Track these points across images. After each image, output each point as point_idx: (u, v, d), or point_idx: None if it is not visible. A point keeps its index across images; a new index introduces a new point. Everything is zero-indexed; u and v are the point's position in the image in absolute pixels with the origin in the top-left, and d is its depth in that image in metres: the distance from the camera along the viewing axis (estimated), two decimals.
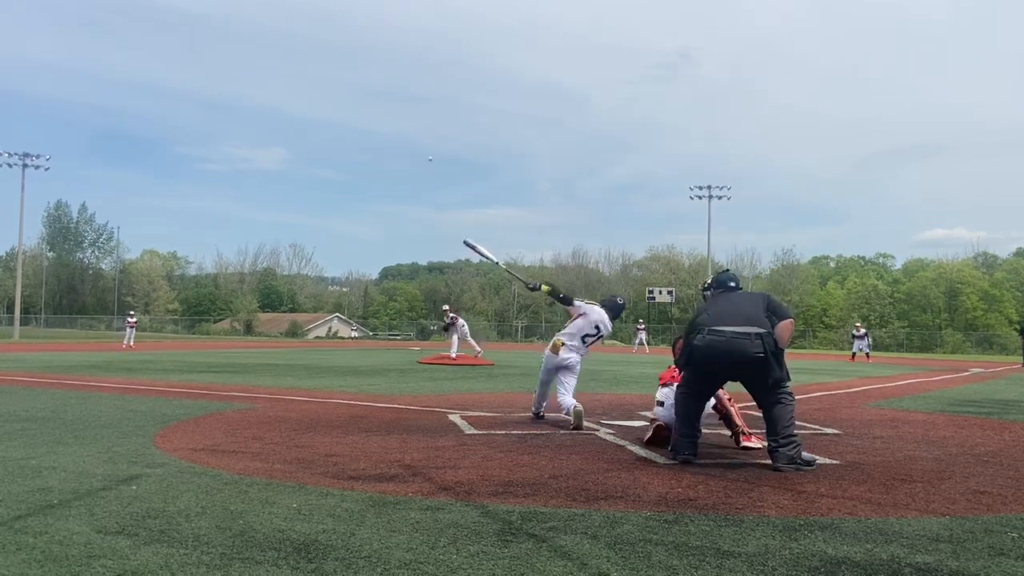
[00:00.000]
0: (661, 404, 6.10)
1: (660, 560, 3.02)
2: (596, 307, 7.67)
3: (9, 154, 49.55)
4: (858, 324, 35.39)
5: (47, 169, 50.73)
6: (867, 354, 30.35)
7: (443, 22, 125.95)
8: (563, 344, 7.54)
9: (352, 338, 63.30)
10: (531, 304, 77.26)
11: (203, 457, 5.14)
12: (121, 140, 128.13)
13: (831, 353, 46.36)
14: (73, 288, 78.63)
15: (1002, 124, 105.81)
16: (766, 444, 5.91)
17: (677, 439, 5.42)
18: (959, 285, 64.92)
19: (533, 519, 3.62)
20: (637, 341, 38.97)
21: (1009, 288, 66.04)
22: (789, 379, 5.39)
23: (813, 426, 7.42)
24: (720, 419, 6.10)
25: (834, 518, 3.77)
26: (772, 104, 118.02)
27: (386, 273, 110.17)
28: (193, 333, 63.83)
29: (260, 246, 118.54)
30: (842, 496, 4.26)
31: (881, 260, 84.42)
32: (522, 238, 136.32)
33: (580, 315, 7.57)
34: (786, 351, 5.44)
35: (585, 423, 6.98)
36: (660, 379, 6.32)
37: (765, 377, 5.23)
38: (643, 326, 39.87)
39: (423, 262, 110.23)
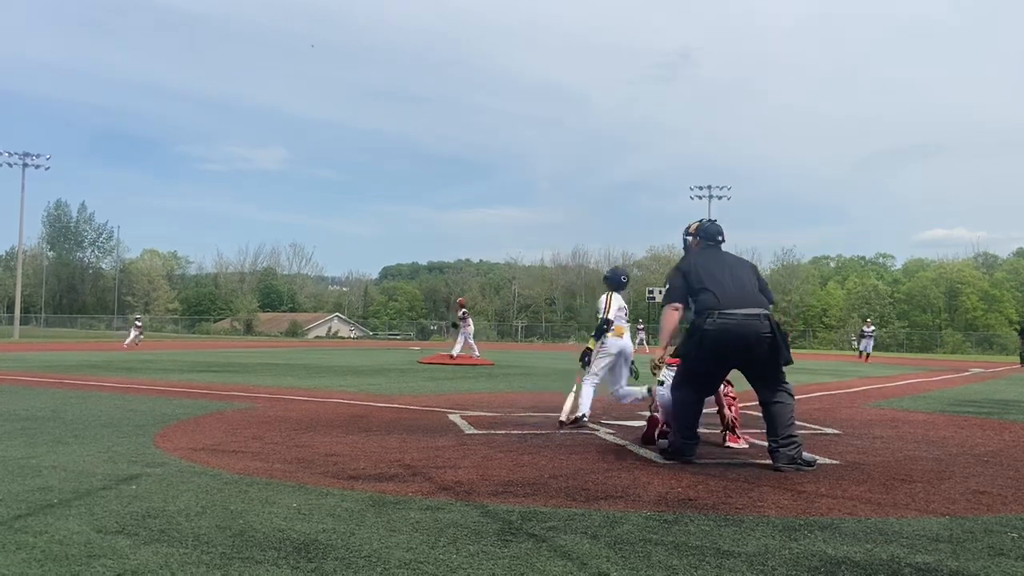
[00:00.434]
0: (662, 384, 5.87)
1: (660, 560, 3.02)
2: (615, 296, 7.28)
3: (9, 154, 49.56)
4: (868, 320, 35.35)
5: (47, 169, 50.74)
6: (861, 352, 30.32)
7: (443, 22, 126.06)
8: (623, 329, 7.17)
9: (345, 337, 63.31)
10: (531, 304, 77.29)
11: (203, 457, 5.14)
12: (121, 140, 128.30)
13: (831, 353, 46.35)
14: (73, 288, 78.64)
15: (1002, 124, 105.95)
16: (748, 445, 5.93)
17: (680, 443, 5.30)
18: (959, 285, 64.92)
19: (533, 519, 3.62)
20: (637, 341, 38.99)
21: (1009, 288, 66.04)
22: (792, 362, 5.38)
23: (813, 426, 7.42)
24: (717, 412, 6.10)
25: (834, 518, 3.77)
26: (772, 104, 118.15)
27: (386, 273, 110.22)
28: (193, 333, 63.84)
29: (260, 246, 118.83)
30: (842, 496, 4.26)
31: (881, 260, 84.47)
32: (522, 238, 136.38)
33: (613, 310, 7.15)
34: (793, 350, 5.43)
35: (585, 423, 6.98)
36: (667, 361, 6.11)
37: (777, 359, 5.19)
38: (643, 326, 39.89)
39: (423, 262, 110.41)
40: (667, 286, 5.56)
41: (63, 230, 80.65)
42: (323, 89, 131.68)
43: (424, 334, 64.71)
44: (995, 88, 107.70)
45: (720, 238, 5.70)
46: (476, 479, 4.54)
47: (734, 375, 5.71)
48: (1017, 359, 28.40)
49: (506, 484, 4.41)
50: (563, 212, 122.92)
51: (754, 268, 5.60)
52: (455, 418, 7.52)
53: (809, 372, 19.42)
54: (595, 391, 7.15)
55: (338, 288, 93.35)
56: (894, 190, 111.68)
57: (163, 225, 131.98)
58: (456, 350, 19.90)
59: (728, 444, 5.90)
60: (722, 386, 5.93)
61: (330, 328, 69.19)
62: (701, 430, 5.59)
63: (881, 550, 3.21)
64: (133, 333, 30.94)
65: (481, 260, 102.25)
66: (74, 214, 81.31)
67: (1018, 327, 31.35)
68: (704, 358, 5.26)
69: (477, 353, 20.78)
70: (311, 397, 9.63)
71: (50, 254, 78.85)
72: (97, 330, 61.03)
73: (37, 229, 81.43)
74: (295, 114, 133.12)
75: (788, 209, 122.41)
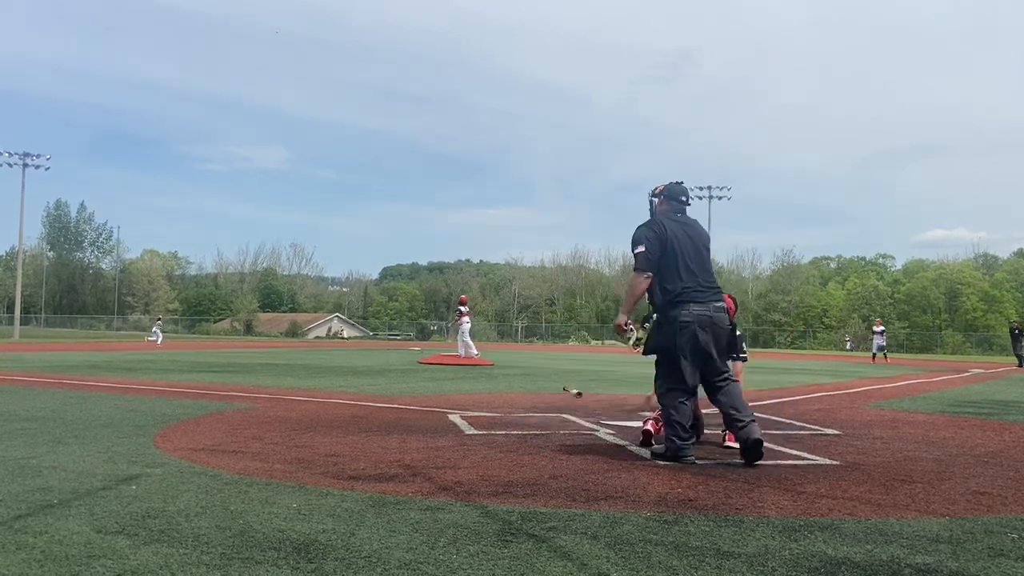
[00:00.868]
0: (640, 341, 5.73)
1: (660, 560, 3.02)
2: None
3: (9, 154, 49.67)
4: (878, 320, 35.29)
5: (47, 169, 50.91)
6: (873, 355, 30.16)
7: (443, 22, 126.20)
8: None
9: (343, 337, 63.26)
10: (531, 304, 77.25)
11: (203, 457, 5.14)
12: (121, 140, 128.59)
13: (831, 354, 46.35)
14: (73, 288, 78.66)
15: (1002, 124, 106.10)
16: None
17: (677, 445, 5.19)
18: (959, 286, 64.95)
19: (533, 519, 3.62)
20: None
21: (1009, 289, 66.08)
22: (746, 359, 5.49)
23: (813, 427, 7.42)
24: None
25: (834, 519, 3.76)
26: (772, 104, 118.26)
27: (386, 273, 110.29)
28: (193, 333, 63.87)
29: (260, 246, 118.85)
30: (842, 497, 4.26)
31: (881, 261, 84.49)
32: (522, 238, 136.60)
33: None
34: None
35: (586, 423, 6.97)
36: None
37: (733, 346, 5.29)
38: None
39: (423, 262, 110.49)
40: (641, 248, 5.30)
41: (63, 230, 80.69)
42: (323, 89, 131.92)
43: (424, 334, 64.72)
44: (995, 88, 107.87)
45: (685, 199, 5.61)
46: (476, 479, 4.54)
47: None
48: (1017, 360, 28.39)
49: (506, 484, 4.41)
50: (563, 212, 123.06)
51: (709, 239, 5.60)
52: (455, 418, 7.52)
53: (809, 373, 19.43)
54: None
55: (338, 288, 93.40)
56: (894, 190, 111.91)
57: (163, 225, 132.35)
58: (461, 351, 19.89)
59: (728, 444, 5.89)
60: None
61: (330, 329, 69.16)
62: (703, 430, 5.59)
63: (881, 551, 3.21)
64: (157, 332, 31.94)
65: (481, 260, 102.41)
66: (74, 214, 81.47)
67: (1012, 326, 31.30)
68: (683, 352, 5.18)
69: (462, 353, 20.32)
70: (311, 397, 9.63)
71: (50, 254, 78.88)
72: (97, 330, 61.02)
73: (37, 229, 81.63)
74: (295, 114, 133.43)
75: (788, 209, 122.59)
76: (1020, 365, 27.48)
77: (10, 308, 63.49)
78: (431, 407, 8.64)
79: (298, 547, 3.10)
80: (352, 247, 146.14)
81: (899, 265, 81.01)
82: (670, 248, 5.26)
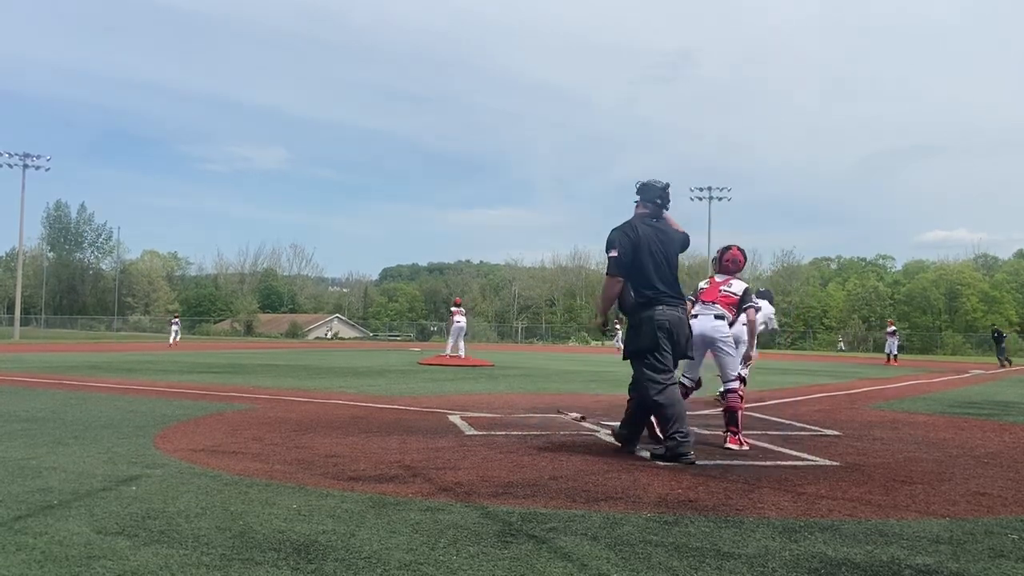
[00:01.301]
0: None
1: (660, 561, 3.02)
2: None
3: (9, 154, 49.67)
4: (890, 320, 35.26)
5: (47, 169, 50.90)
6: (888, 355, 30.14)
7: (443, 22, 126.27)
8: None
9: (346, 338, 63.28)
10: (531, 305, 77.26)
11: (203, 458, 5.13)
12: (121, 140, 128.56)
13: (831, 354, 46.35)
14: (73, 288, 78.65)
15: (1002, 124, 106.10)
16: (749, 447, 5.92)
17: (675, 445, 5.18)
18: (959, 287, 64.91)
19: (533, 520, 3.62)
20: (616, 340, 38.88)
21: (1009, 290, 66.03)
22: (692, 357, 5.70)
23: (813, 427, 7.42)
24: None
25: (834, 519, 3.76)
26: (772, 104, 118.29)
27: (386, 274, 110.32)
28: (193, 333, 63.83)
29: (260, 246, 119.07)
30: (842, 497, 4.26)
31: (881, 261, 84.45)
32: (522, 238, 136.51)
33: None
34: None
35: (586, 423, 6.97)
36: None
37: (685, 353, 5.53)
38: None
39: (423, 262, 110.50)
40: (614, 252, 5.43)
41: (63, 231, 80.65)
42: (323, 89, 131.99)
43: (424, 335, 64.71)
44: (995, 88, 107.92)
45: (661, 201, 5.62)
46: (476, 480, 4.54)
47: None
48: (1019, 360, 28.51)
49: (506, 485, 4.41)
50: (563, 212, 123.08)
51: (684, 243, 5.73)
52: (455, 419, 7.52)
53: (809, 373, 19.43)
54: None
55: (338, 289, 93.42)
56: (894, 191, 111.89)
57: (163, 225, 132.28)
58: (462, 352, 19.85)
59: (728, 446, 5.89)
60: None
61: (329, 329, 69.17)
62: (703, 431, 5.59)
63: (881, 551, 3.21)
64: (175, 331, 32.34)
65: (481, 261, 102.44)
66: (74, 215, 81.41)
67: (993, 331, 31.63)
68: (660, 346, 5.36)
69: (449, 352, 20.05)
70: (311, 398, 9.62)
71: (50, 255, 78.85)
72: (97, 331, 61.02)
73: (37, 230, 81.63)
74: (295, 114, 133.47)
75: (788, 209, 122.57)
76: (1002, 367, 27.82)
77: (10, 309, 63.52)
78: (431, 408, 8.63)
79: (298, 548, 3.10)
80: (352, 247, 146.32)
81: (899, 266, 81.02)
82: (643, 253, 5.40)
